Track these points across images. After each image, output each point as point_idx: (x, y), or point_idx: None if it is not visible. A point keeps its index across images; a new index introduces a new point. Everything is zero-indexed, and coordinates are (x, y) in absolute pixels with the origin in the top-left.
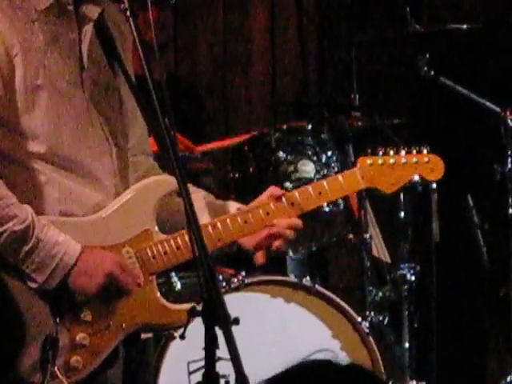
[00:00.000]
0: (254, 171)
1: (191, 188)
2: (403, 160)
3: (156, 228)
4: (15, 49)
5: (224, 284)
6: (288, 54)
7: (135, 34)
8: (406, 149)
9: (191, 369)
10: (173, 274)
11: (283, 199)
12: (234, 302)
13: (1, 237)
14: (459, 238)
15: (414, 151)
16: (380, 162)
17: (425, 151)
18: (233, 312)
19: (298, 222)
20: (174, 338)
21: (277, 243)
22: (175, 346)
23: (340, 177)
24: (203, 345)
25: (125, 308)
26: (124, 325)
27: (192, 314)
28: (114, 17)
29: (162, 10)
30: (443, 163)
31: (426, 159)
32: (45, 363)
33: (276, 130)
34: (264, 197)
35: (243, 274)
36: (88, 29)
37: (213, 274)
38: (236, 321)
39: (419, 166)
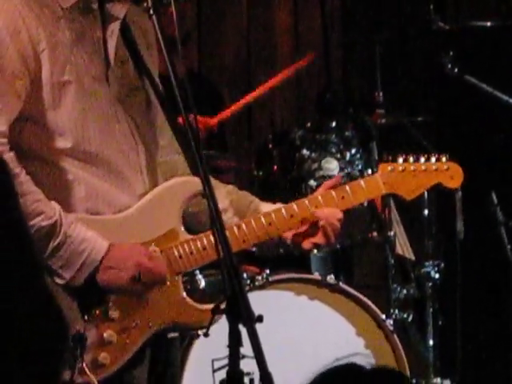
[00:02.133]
0: (278, 169)
1: (216, 184)
2: (423, 167)
3: (182, 228)
4: (42, 45)
5: (248, 282)
6: (312, 49)
7: (158, 32)
8: (426, 156)
9: (215, 366)
10: (197, 271)
11: (307, 202)
12: (258, 300)
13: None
14: (483, 235)
15: (433, 159)
16: (401, 168)
17: (444, 159)
18: (257, 310)
19: (340, 213)
20: (198, 335)
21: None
22: (199, 344)
23: (362, 182)
24: (227, 343)
25: (151, 307)
26: (151, 323)
27: (216, 311)
28: (137, 16)
29: (177, 2)
30: (462, 171)
31: (445, 167)
32: (73, 360)
33: (300, 127)
34: (322, 189)
35: (267, 271)
36: (115, 27)
37: (237, 272)
38: (260, 318)
39: (439, 173)
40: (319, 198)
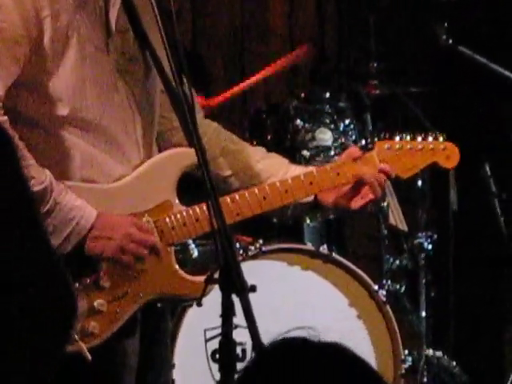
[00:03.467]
0: (272, 139)
1: (259, 151)
2: (420, 146)
3: (176, 199)
4: (45, 11)
5: (241, 252)
6: (306, 21)
7: (153, 2)
8: (423, 135)
9: (208, 336)
10: (190, 241)
11: (302, 177)
12: (251, 270)
13: None
14: (476, 206)
15: (430, 138)
16: (397, 146)
17: (441, 139)
18: (250, 280)
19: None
20: (191, 305)
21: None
22: (192, 314)
23: (358, 160)
24: (220, 312)
25: (143, 277)
26: (141, 294)
27: (209, 281)
28: None
29: None
30: (458, 151)
31: (442, 146)
32: None
33: (294, 97)
34: (344, 156)
35: (261, 241)
36: None
37: (230, 242)
38: (253, 288)
39: (435, 152)
40: (314, 172)
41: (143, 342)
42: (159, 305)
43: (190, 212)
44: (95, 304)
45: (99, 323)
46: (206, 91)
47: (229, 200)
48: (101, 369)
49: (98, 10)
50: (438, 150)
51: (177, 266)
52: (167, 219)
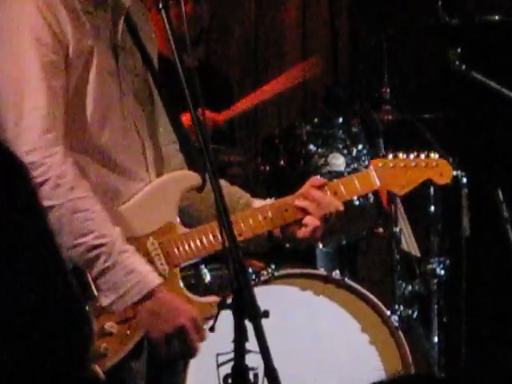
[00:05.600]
0: (285, 164)
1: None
2: (413, 163)
3: (178, 221)
4: (69, 31)
5: (253, 277)
6: (319, 46)
7: (167, 24)
8: (416, 153)
9: (220, 361)
10: (202, 266)
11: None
12: (264, 295)
13: (77, 248)
14: (489, 232)
15: (423, 155)
16: (391, 164)
17: (433, 155)
18: (262, 305)
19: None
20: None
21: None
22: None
23: (355, 177)
24: (232, 337)
25: None
26: None
27: (222, 306)
28: (136, 11)
29: (197, 3)
30: (451, 168)
31: (434, 163)
32: None
33: (307, 122)
34: (306, 187)
35: (273, 266)
36: (121, 21)
37: (243, 267)
38: (266, 314)
39: (429, 169)
40: (312, 192)
41: (152, 366)
42: None
43: (195, 234)
44: (106, 326)
45: (110, 345)
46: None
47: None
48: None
49: (107, 34)
50: (431, 166)
51: (183, 287)
52: (172, 241)
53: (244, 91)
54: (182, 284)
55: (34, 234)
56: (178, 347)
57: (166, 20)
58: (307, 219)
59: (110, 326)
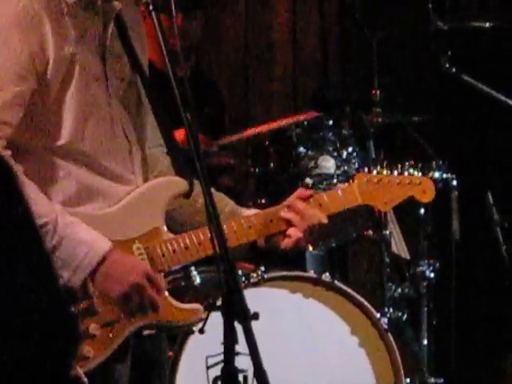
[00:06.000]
0: (275, 166)
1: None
2: (397, 180)
3: (165, 227)
4: (50, 45)
5: (243, 279)
6: (309, 49)
7: (158, 29)
8: (399, 169)
9: (209, 363)
10: (192, 268)
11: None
12: (253, 297)
13: None
14: (479, 235)
15: (406, 173)
16: (376, 180)
17: (416, 173)
18: (252, 307)
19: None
20: (193, 332)
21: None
22: (194, 340)
23: (339, 191)
24: (222, 339)
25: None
26: (133, 319)
27: (212, 308)
28: (128, 14)
29: (188, 21)
30: (434, 186)
31: (418, 181)
32: None
33: (297, 125)
34: (292, 198)
35: (262, 269)
36: (111, 24)
37: (233, 269)
38: (255, 316)
39: (412, 187)
40: (298, 203)
41: (136, 369)
42: (145, 332)
43: (180, 240)
44: (90, 328)
45: (93, 347)
46: (222, 126)
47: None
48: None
49: (95, 39)
50: (414, 184)
51: (167, 294)
52: (157, 246)
53: (234, 97)
54: (165, 291)
55: (23, 232)
56: (138, 304)
57: (156, 23)
58: (291, 230)
59: (93, 328)
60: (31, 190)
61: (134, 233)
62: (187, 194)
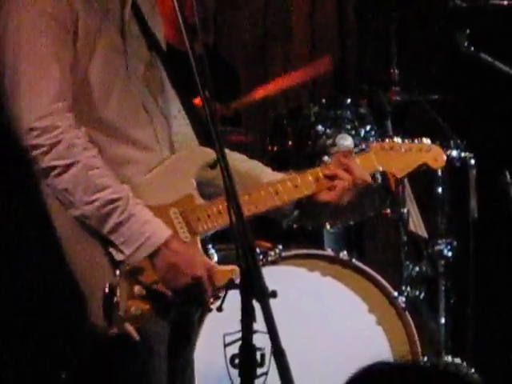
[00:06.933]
0: (293, 145)
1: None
2: (408, 147)
3: (197, 193)
4: (80, 14)
5: (261, 257)
6: (327, 28)
7: (177, 6)
8: (410, 139)
9: (227, 341)
10: (209, 246)
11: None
12: (271, 275)
13: (93, 204)
14: (496, 213)
15: (416, 141)
16: (388, 147)
17: (425, 141)
18: (269, 285)
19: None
20: (211, 310)
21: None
22: (211, 318)
23: (357, 159)
24: (240, 317)
25: None
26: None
27: (229, 286)
28: None
29: None
30: (443, 153)
31: (427, 148)
32: (109, 309)
33: (315, 103)
34: (335, 157)
35: (280, 247)
36: (128, 6)
37: (251, 247)
38: (273, 294)
39: (423, 154)
40: (319, 171)
41: (174, 334)
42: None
43: (212, 205)
44: (135, 289)
45: (140, 306)
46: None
47: (246, 196)
48: (133, 352)
49: (116, 17)
50: (424, 151)
51: (203, 255)
52: (192, 211)
53: (251, 80)
54: (202, 252)
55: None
56: (193, 297)
57: (176, 4)
58: (336, 182)
59: (138, 289)
60: (107, 166)
61: (169, 199)
62: (213, 164)
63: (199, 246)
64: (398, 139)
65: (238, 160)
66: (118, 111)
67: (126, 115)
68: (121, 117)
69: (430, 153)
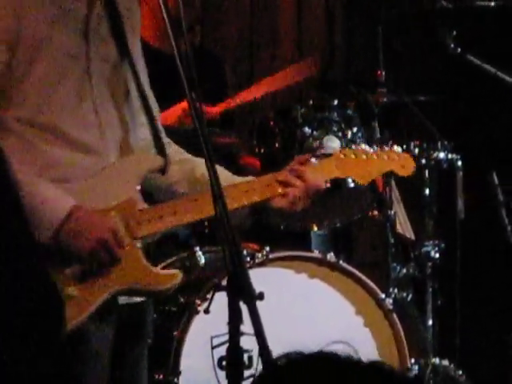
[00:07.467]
0: (280, 146)
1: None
2: (374, 156)
3: (140, 197)
4: (26, 19)
5: (248, 259)
6: (314, 29)
7: (163, 6)
8: (379, 146)
9: (214, 343)
10: (197, 248)
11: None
12: (258, 277)
13: None
14: (484, 215)
15: (386, 148)
16: (352, 155)
17: (395, 149)
18: (256, 287)
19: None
20: (198, 312)
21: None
22: (199, 321)
23: (317, 164)
24: (227, 319)
25: (111, 268)
26: (110, 284)
27: (217, 288)
28: None
29: None
30: (413, 161)
31: (395, 156)
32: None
33: (302, 105)
34: (294, 163)
35: (267, 249)
36: (97, 3)
37: (238, 249)
38: (261, 296)
39: (390, 161)
40: (272, 178)
41: (118, 337)
42: (139, 300)
43: (154, 210)
44: (68, 291)
45: (71, 309)
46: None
47: (193, 203)
48: (69, 353)
49: (80, 18)
50: (392, 159)
51: (143, 258)
52: (133, 214)
53: (237, 82)
54: (142, 256)
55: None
56: (102, 259)
57: (162, 4)
58: (288, 190)
59: (71, 290)
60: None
61: (110, 203)
62: (162, 170)
63: (139, 250)
64: (366, 146)
65: (197, 163)
66: (60, 114)
67: (71, 118)
68: (63, 120)
69: (396, 161)
